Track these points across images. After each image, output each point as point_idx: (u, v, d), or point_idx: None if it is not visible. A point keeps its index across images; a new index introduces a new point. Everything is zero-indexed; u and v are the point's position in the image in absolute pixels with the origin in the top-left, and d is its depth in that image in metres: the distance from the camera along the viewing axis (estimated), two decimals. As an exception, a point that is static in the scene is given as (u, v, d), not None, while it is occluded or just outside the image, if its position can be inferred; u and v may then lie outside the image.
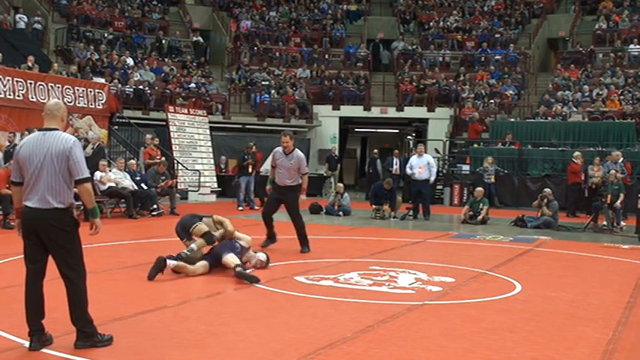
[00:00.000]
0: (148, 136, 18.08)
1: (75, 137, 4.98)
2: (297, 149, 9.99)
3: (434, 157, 19.27)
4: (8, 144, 14.12)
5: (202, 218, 8.42)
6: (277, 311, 6.30)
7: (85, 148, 15.16)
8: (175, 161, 19.36)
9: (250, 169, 17.25)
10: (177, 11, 31.86)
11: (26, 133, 14.04)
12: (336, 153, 24.82)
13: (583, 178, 17.69)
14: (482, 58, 28.97)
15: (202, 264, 7.95)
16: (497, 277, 8.44)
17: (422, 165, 15.90)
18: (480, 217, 15.18)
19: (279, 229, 10.51)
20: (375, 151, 24.15)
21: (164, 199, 15.86)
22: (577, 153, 18.25)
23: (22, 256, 4.97)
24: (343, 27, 31.15)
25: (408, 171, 16.21)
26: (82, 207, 13.15)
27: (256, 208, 17.38)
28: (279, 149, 9.95)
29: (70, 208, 4.85)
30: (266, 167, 16.79)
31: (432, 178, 16.04)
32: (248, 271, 7.76)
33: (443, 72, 28.35)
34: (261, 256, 8.47)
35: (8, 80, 14.62)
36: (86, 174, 4.84)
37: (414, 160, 16.16)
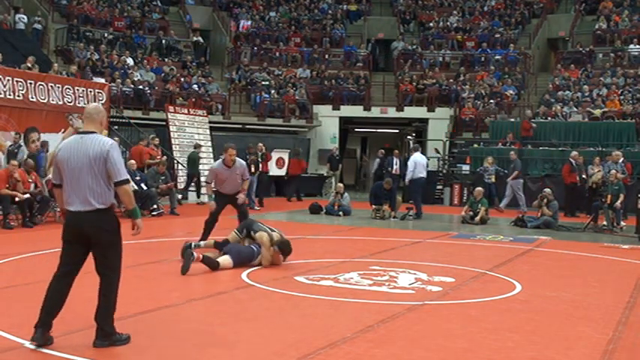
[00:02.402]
0: (152, 136, 18.06)
1: (113, 140, 5.03)
2: (237, 159, 9.99)
3: (429, 157, 19.58)
4: (12, 144, 14.12)
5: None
6: (277, 311, 6.30)
7: None
8: (175, 161, 19.35)
9: (253, 169, 17.27)
10: (177, 11, 31.87)
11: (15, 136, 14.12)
12: (338, 153, 24.78)
13: (578, 178, 17.68)
14: (482, 58, 28.96)
15: (227, 260, 8.29)
16: (497, 277, 8.44)
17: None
18: (477, 217, 15.18)
19: (283, 228, 10.48)
20: (382, 151, 23.98)
21: (164, 199, 15.87)
22: (574, 153, 18.26)
23: (59, 254, 5.01)
24: (343, 27, 31.15)
25: None
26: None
27: (256, 208, 17.41)
28: (220, 165, 9.91)
29: (112, 208, 4.93)
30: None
31: (407, 178, 16.44)
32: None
33: (443, 72, 28.34)
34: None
35: (8, 80, 14.61)
36: (124, 176, 4.91)
37: None
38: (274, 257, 8.51)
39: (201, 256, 8.16)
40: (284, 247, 8.49)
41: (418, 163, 16.32)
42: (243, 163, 10.14)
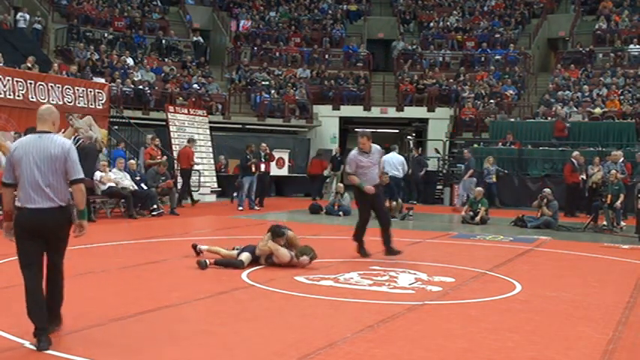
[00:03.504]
0: (149, 136, 18.07)
1: (69, 141, 5.24)
2: (372, 145, 9.75)
3: (428, 157, 19.49)
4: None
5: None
6: (277, 311, 6.30)
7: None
8: (175, 161, 19.33)
9: (253, 169, 17.29)
10: (177, 11, 31.88)
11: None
12: (339, 154, 24.67)
13: (581, 178, 17.68)
14: (482, 58, 28.97)
15: (247, 255, 8.48)
16: (497, 277, 8.43)
17: None
18: (477, 217, 15.18)
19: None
20: (383, 151, 23.85)
21: (164, 199, 15.85)
22: (576, 153, 18.26)
23: (18, 258, 5.03)
24: (343, 27, 31.16)
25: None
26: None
27: (256, 208, 17.39)
28: (357, 152, 9.64)
29: (69, 205, 5.02)
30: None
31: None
32: None
33: (443, 72, 28.36)
34: (305, 259, 8.59)
35: (8, 80, 14.60)
36: (81, 175, 5.05)
37: None
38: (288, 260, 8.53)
39: (213, 260, 8.41)
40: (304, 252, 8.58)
41: (387, 162, 16.24)
42: (379, 147, 9.95)
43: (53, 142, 4.96)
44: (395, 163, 16.89)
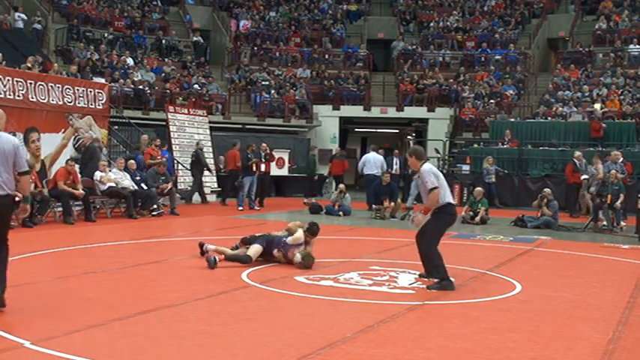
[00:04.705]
0: (144, 136, 18.03)
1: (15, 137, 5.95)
2: (425, 163, 7.76)
3: (428, 157, 19.73)
4: None
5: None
6: (277, 311, 6.30)
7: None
8: (175, 161, 19.34)
9: (254, 169, 17.28)
10: (177, 11, 31.90)
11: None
12: (338, 154, 24.63)
13: (583, 178, 17.67)
14: (482, 58, 28.98)
15: (256, 248, 8.62)
16: (497, 277, 8.44)
17: None
18: (477, 217, 15.18)
19: (283, 228, 10.46)
20: (381, 150, 23.85)
21: (164, 199, 15.85)
22: (578, 153, 18.25)
23: None
24: (343, 27, 31.17)
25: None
26: (83, 207, 13.21)
27: (256, 208, 17.39)
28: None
29: (10, 194, 5.74)
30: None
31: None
32: None
33: (443, 72, 28.36)
34: (297, 257, 8.55)
35: (8, 80, 14.60)
36: (26, 167, 5.87)
37: None
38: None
39: (223, 256, 8.52)
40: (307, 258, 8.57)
41: (367, 161, 17.80)
42: (425, 170, 7.61)
43: (5, 139, 5.63)
44: (375, 161, 17.94)
